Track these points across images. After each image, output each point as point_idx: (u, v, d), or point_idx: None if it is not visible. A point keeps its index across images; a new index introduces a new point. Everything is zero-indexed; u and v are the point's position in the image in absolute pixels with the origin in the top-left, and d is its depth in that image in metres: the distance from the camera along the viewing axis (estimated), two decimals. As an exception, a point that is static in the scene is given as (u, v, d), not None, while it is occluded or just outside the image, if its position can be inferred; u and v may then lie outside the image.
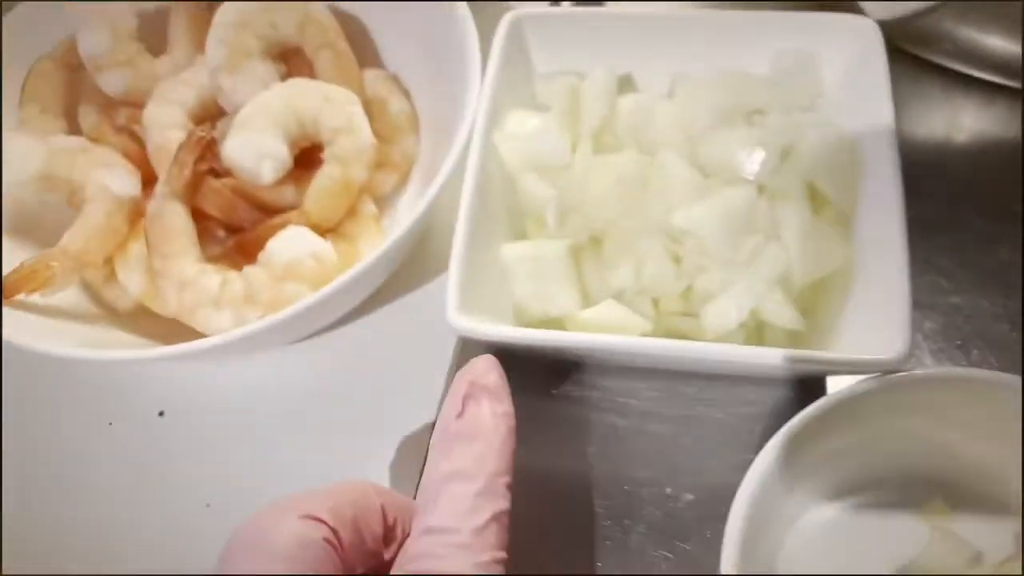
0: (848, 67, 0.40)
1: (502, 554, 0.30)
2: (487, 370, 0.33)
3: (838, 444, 0.34)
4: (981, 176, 0.45)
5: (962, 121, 0.47)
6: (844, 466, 0.35)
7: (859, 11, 0.41)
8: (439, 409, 0.35)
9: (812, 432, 0.33)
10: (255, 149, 0.42)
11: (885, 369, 0.33)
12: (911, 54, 0.47)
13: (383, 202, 0.48)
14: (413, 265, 0.45)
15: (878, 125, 0.38)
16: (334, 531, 0.30)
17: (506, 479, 0.31)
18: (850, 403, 0.33)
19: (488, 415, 0.32)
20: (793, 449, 0.32)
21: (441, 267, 0.46)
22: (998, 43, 0.42)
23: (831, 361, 0.33)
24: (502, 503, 0.31)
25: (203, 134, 0.43)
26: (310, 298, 0.37)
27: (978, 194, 0.45)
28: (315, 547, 0.29)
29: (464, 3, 0.44)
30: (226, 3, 0.45)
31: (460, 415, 0.32)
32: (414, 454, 0.41)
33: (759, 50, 0.42)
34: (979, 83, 0.47)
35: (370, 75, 0.49)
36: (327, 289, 0.37)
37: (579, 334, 0.35)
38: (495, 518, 0.30)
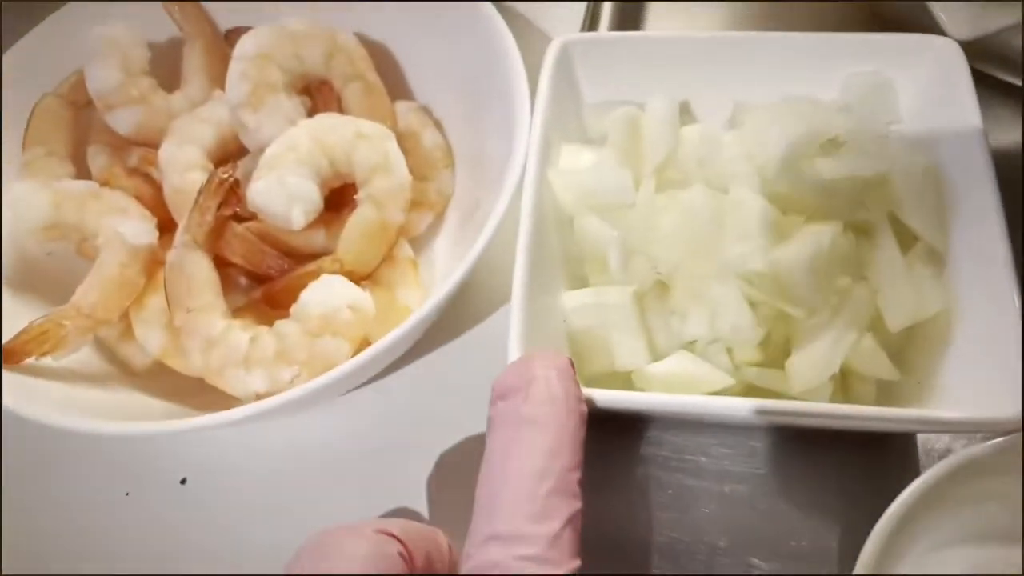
0: (927, 91, 0.37)
1: (578, 562, 0.27)
2: (556, 354, 0.30)
3: (949, 519, 0.31)
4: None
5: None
6: (960, 532, 0.32)
7: (934, 30, 0.38)
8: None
9: (929, 500, 0.29)
10: (284, 192, 0.39)
11: (1004, 430, 0.29)
12: (977, 72, 0.44)
13: (417, 243, 0.44)
14: (455, 309, 0.42)
15: (968, 153, 0.35)
16: (408, 550, 0.27)
17: (578, 474, 0.28)
18: (969, 468, 0.30)
19: (561, 398, 0.28)
20: (908, 519, 0.29)
21: (485, 309, 0.42)
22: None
23: (949, 422, 0.29)
24: (575, 503, 0.27)
25: (225, 176, 0.39)
26: (353, 361, 0.33)
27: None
28: (390, 560, 0.26)
29: (508, 32, 0.41)
30: (247, 34, 0.42)
31: (527, 398, 0.28)
32: (462, 515, 0.38)
33: (827, 74, 0.39)
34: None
35: (402, 107, 0.45)
36: (370, 351, 0.34)
37: (667, 396, 0.31)
38: (570, 521, 0.27)
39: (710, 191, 0.36)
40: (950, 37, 0.37)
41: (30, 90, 0.44)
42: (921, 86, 0.38)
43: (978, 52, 0.40)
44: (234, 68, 0.41)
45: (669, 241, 0.35)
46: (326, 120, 0.41)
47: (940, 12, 0.37)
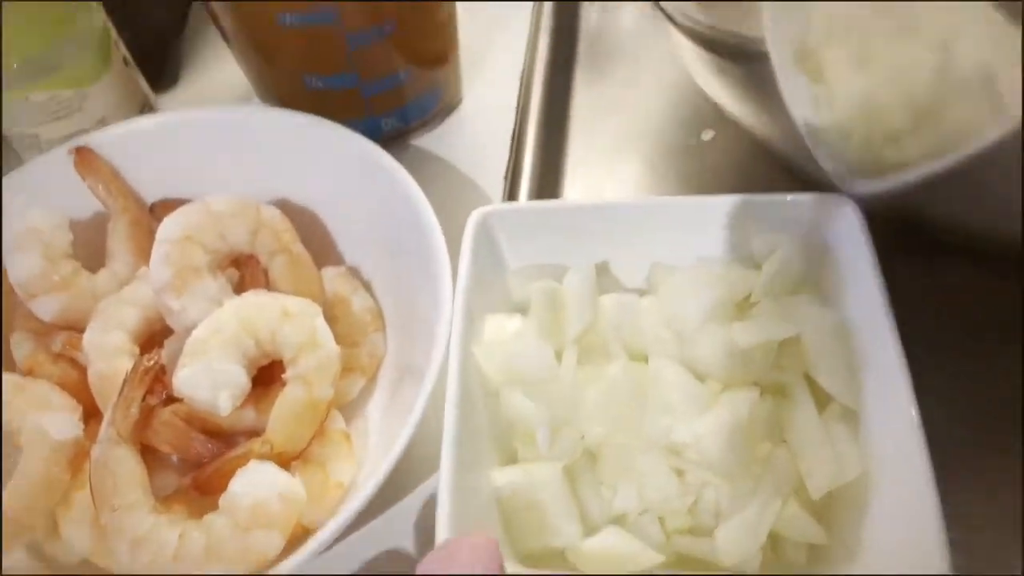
0: (834, 249, 0.39)
1: None
2: (482, 539, 0.28)
3: None
4: (973, 348, 0.43)
5: (947, 288, 0.45)
6: None
7: (838, 189, 0.40)
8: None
9: None
10: (210, 379, 0.39)
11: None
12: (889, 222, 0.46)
13: (350, 408, 0.44)
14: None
15: (872, 310, 0.36)
16: None
17: None
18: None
19: None
20: None
21: (413, 481, 0.42)
22: (983, 215, 0.41)
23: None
24: None
25: (150, 364, 0.39)
26: (284, 565, 0.33)
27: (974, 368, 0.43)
28: None
29: (427, 205, 0.42)
30: (169, 217, 0.42)
31: None
32: None
33: (739, 235, 0.40)
34: (961, 251, 0.45)
35: (329, 273, 0.46)
36: (302, 552, 0.33)
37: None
38: None
39: (631, 364, 0.36)
40: (849, 195, 0.38)
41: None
42: (828, 244, 0.39)
43: (877, 207, 0.42)
44: (157, 251, 0.42)
45: (594, 415, 0.36)
46: (252, 299, 0.41)
47: (834, 172, 0.39)
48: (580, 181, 0.54)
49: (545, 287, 0.39)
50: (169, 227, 0.42)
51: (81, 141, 0.46)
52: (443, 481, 0.33)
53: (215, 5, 0.49)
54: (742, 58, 0.47)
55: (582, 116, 0.58)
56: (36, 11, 0.46)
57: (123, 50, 0.53)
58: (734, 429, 0.34)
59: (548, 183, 0.54)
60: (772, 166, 0.51)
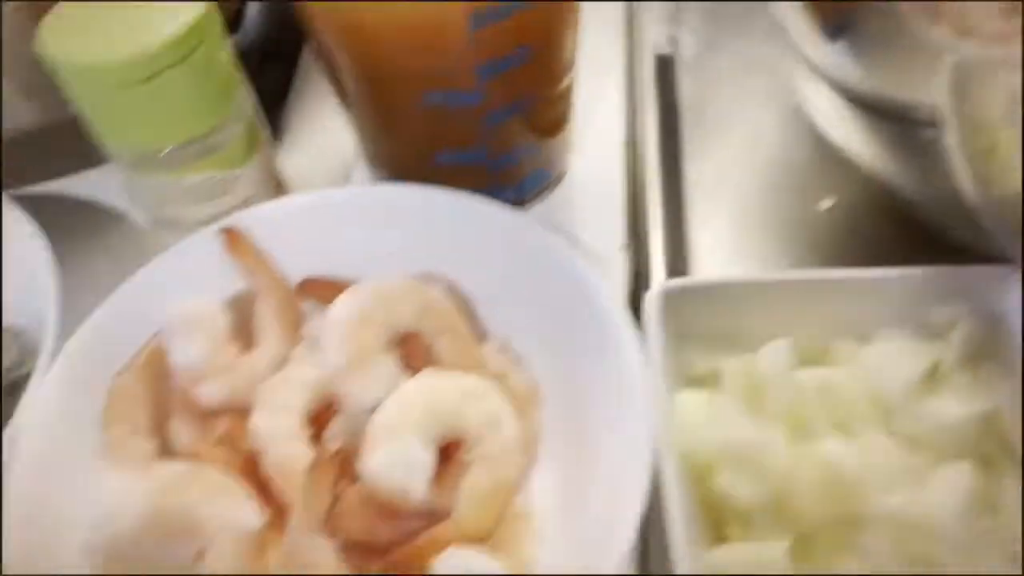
0: (1006, 319, 0.40)
1: None
2: None
3: None
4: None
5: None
6: None
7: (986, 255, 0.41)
8: None
9: None
10: (403, 463, 0.38)
11: None
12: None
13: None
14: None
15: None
16: None
17: None
18: None
19: None
20: None
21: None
22: None
23: None
24: None
25: (334, 453, 0.38)
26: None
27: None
28: None
29: (594, 276, 0.42)
30: (342, 297, 0.42)
31: None
32: None
33: (914, 307, 0.41)
34: None
35: (488, 348, 0.45)
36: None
37: None
38: None
39: (845, 442, 0.36)
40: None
41: (107, 362, 0.43)
42: (1001, 314, 0.40)
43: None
44: (332, 333, 0.41)
45: (810, 492, 0.36)
46: (431, 382, 0.40)
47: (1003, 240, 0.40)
48: (707, 256, 0.54)
49: (741, 364, 0.39)
50: (343, 308, 0.41)
51: (228, 222, 0.46)
52: (680, 560, 0.33)
53: (353, 77, 0.49)
54: (896, 119, 0.48)
55: (696, 188, 0.59)
56: (206, 92, 0.46)
57: (267, 128, 0.53)
58: (960, 504, 0.34)
59: (677, 257, 0.54)
60: (895, 232, 0.53)
